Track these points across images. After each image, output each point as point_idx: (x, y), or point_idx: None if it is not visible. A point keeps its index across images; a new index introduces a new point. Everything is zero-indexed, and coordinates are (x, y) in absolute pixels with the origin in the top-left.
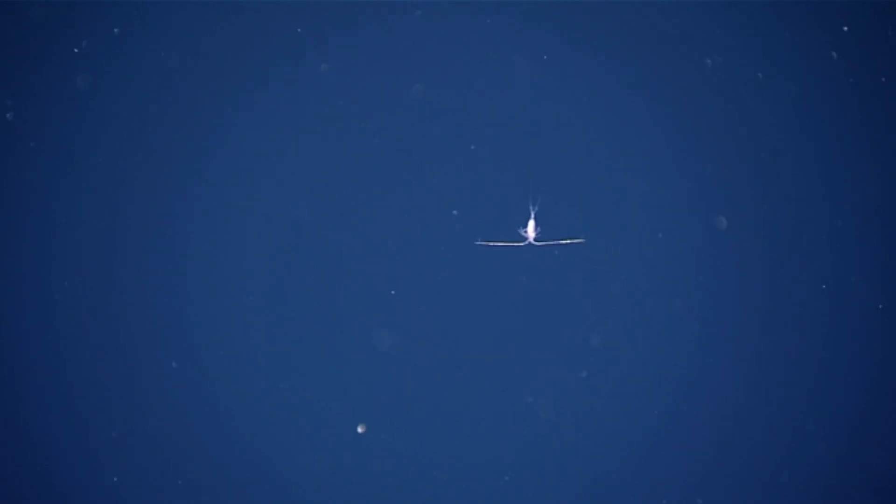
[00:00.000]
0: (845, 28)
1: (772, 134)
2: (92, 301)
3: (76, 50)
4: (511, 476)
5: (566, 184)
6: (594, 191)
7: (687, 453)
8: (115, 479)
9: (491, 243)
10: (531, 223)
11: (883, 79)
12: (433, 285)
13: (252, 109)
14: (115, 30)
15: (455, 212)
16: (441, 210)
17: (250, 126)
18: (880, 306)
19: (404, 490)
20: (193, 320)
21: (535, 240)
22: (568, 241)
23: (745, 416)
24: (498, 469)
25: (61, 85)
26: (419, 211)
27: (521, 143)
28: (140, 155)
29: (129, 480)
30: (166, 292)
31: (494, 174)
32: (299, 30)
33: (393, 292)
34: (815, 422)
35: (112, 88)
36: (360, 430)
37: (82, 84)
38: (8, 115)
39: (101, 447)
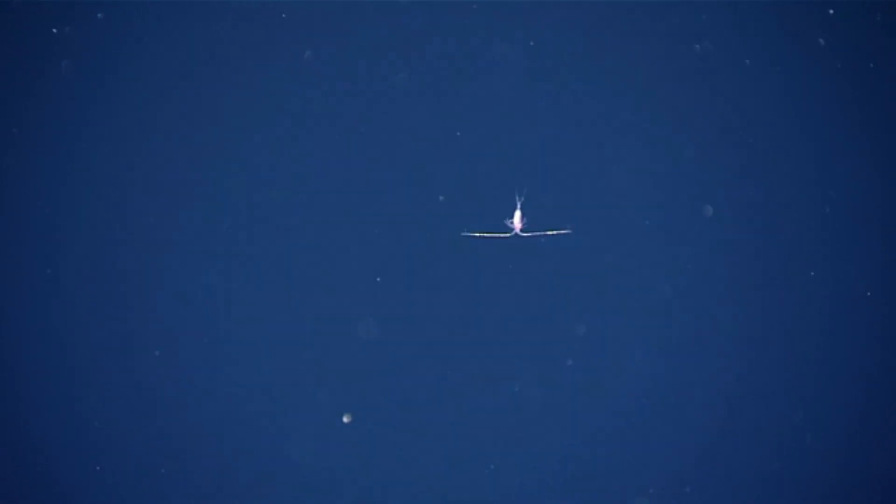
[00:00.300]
0: (831, 11)
1: (759, 120)
2: (70, 288)
3: (54, 30)
4: (497, 465)
5: (552, 174)
6: (580, 181)
7: (675, 441)
8: (98, 467)
9: (477, 234)
10: (517, 214)
11: (871, 64)
12: (419, 274)
13: (234, 96)
14: (99, 15)
15: (441, 197)
16: (427, 199)
17: (232, 112)
18: (868, 293)
19: (390, 480)
20: (177, 309)
21: (522, 231)
22: (554, 232)
23: (733, 403)
24: (484, 458)
25: (40, 69)
26: (405, 200)
27: (508, 133)
28: (117, 142)
29: (113, 469)
30: (148, 279)
31: (480, 165)
32: (284, 15)
33: (378, 279)
34: (803, 409)
35: (92, 75)
36: (345, 419)
37: (64, 69)
38: None
39: (83, 436)
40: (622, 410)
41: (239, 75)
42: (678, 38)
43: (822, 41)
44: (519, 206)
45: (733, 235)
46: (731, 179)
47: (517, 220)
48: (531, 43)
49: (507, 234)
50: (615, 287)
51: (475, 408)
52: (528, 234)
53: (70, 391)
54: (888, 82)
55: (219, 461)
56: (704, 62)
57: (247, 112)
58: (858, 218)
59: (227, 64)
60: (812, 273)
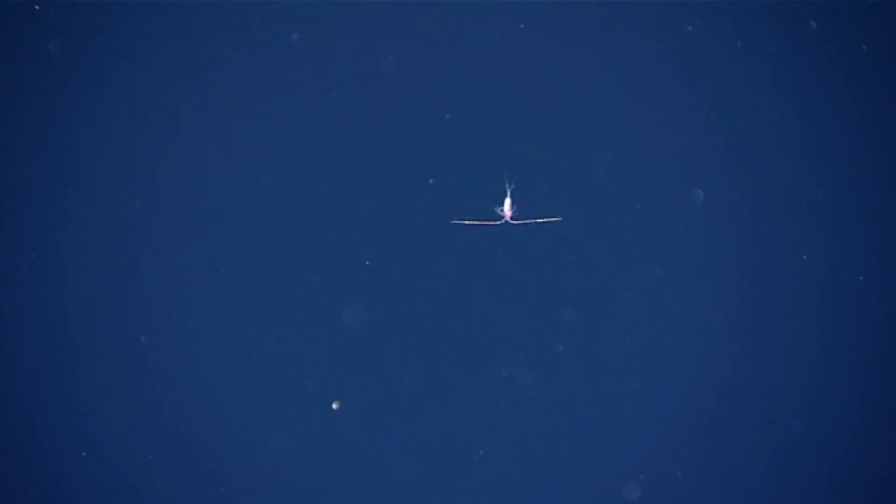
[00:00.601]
0: None
1: (749, 104)
2: (56, 274)
3: (37, 7)
4: (486, 450)
5: (542, 161)
6: (570, 168)
7: (665, 426)
8: (84, 453)
9: (467, 222)
10: (507, 201)
11: (864, 47)
12: (409, 260)
13: (220, 79)
14: None
15: (431, 180)
16: (417, 185)
17: (219, 97)
18: (861, 277)
19: (379, 466)
20: (164, 295)
21: (512, 218)
22: (545, 220)
23: (723, 388)
24: (473, 443)
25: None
26: (395, 186)
27: (497, 120)
28: (96, 130)
29: (98, 455)
30: (135, 265)
31: (469, 153)
32: None
33: (367, 262)
34: (791, 393)
35: (71, 59)
36: (334, 406)
37: (51, 49)
38: None
39: (69, 422)
40: (612, 395)
41: (224, 60)
42: (669, 20)
43: (813, 24)
44: (509, 193)
45: (724, 219)
46: (721, 163)
47: (507, 208)
48: (521, 25)
49: (498, 222)
50: (605, 273)
51: (464, 393)
52: (519, 222)
53: (56, 376)
54: (881, 65)
55: (207, 446)
56: (696, 45)
57: (233, 95)
58: (850, 201)
59: (211, 48)
60: (804, 257)
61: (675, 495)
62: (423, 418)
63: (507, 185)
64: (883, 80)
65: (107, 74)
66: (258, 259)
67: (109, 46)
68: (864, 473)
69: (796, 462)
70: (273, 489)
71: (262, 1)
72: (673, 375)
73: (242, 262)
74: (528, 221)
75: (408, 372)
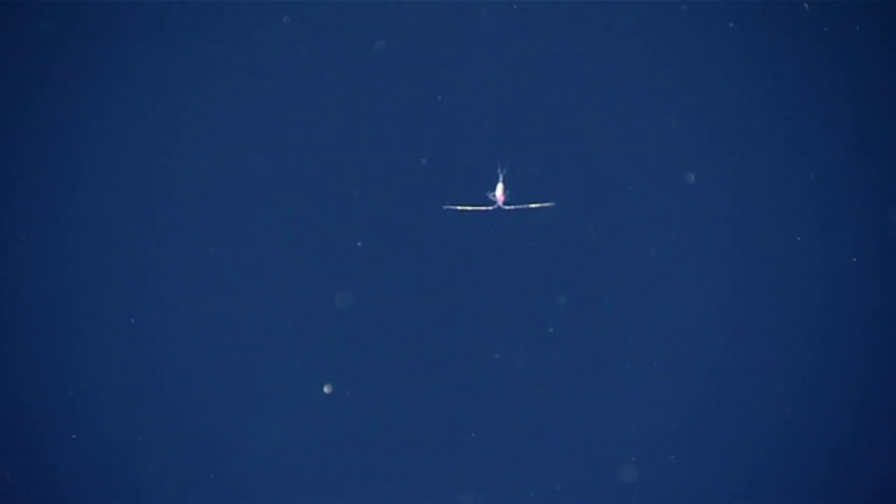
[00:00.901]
0: None
1: (741, 86)
2: (45, 261)
3: None
4: (478, 433)
5: (535, 146)
6: (563, 153)
7: (657, 409)
8: (74, 436)
9: (459, 207)
10: (500, 186)
11: (857, 28)
12: (400, 245)
13: (210, 63)
14: None
15: (424, 160)
16: (408, 168)
17: (209, 80)
18: (854, 259)
19: (372, 450)
20: (155, 279)
21: (504, 204)
22: (537, 205)
23: (715, 369)
24: (465, 426)
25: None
26: (386, 170)
27: (490, 107)
28: (82, 120)
29: (89, 441)
30: (126, 246)
31: (461, 138)
32: None
33: (359, 244)
34: (786, 378)
35: (60, 47)
36: (326, 390)
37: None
38: None
39: (60, 406)
40: (604, 377)
41: (210, 42)
42: (662, 2)
43: (806, 6)
44: (501, 178)
45: (718, 201)
46: (714, 145)
47: (499, 193)
48: (514, 7)
49: (490, 208)
50: (598, 258)
51: (456, 375)
52: (511, 208)
53: (44, 360)
54: (875, 48)
55: (199, 431)
56: (688, 25)
57: (222, 78)
58: (843, 183)
59: (201, 29)
60: (798, 238)
61: (669, 478)
62: (414, 401)
63: (499, 170)
64: (878, 64)
65: (95, 63)
66: (249, 243)
67: (95, 33)
68: (861, 464)
69: (791, 441)
70: (264, 474)
71: None
72: (666, 359)
73: (233, 248)
74: (521, 207)
75: (399, 355)
